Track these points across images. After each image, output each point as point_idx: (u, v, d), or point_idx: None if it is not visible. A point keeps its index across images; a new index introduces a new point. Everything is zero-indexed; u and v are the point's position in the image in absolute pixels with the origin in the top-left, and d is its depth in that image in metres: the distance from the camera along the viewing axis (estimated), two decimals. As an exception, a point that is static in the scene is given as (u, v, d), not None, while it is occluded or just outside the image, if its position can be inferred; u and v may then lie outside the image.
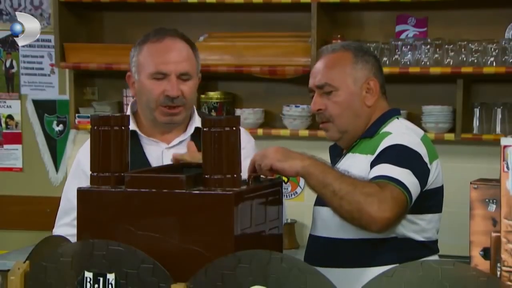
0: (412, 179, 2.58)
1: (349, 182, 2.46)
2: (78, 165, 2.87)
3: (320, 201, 2.75)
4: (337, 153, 2.87)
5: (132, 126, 2.82)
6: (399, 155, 2.61)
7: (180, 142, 2.84)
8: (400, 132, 2.71)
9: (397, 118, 2.81)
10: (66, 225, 2.83)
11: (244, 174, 2.26)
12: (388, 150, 2.63)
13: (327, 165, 2.54)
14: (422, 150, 2.68)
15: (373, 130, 2.76)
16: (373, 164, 2.62)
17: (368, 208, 2.42)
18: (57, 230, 2.87)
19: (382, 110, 2.81)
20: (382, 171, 2.55)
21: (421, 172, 2.65)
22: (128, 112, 2.90)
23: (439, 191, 2.76)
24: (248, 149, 2.80)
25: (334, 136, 2.81)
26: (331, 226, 2.70)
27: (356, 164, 2.70)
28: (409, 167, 2.58)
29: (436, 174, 2.73)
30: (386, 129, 2.75)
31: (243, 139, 2.92)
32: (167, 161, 2.74)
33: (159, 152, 2.83)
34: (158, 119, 2.81)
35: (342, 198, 2.43)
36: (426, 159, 2.69)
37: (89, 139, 2.87)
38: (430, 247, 2.74)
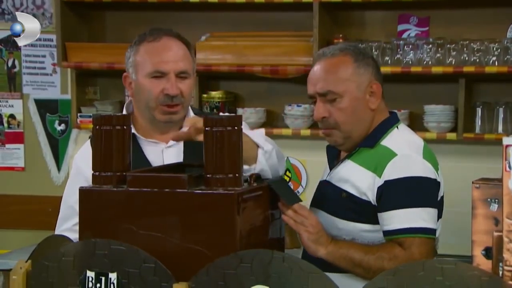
0: (432, 214, 2.63)
1: (376, 257, 2.57)
2: (78, 171, 2.82)
3: (317, 203, 2.77)
4: (334, 156, 2.83)
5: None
6: (414, 188, 2.62)
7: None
8: (405, 155, 2.66)
9: (397, 127, 2.77)
10: (67, 231, 2.78)
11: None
12: (400, 188, 2.62)
13: (347, 245, 2.61)
14: (429, 170, 2.66)
15: (373, 140, 2.72)
16: (386, 204, 2.62)
17: None
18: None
19: (382, 114, 2.76)
20: (401, 222, 2.59)
21: (435, 195, 2.68)
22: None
23: (442, 198, 2.75)
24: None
25: (338, 141, 2.75)
26: (328, 231, 2.67)
27: (356, 175, 2.68)
28: (426, 203, 2.62)
29: (442, 182, 2.73)
30: (387, 142, 2.70)
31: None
32: (168, 160, 2.74)
33: (159, 153, 2.83)
34: (157, 118, 2.81)
35: (375, 272, 2.49)
36: (435, 175, 2.68)
37: (84, 145, 2.88)
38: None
